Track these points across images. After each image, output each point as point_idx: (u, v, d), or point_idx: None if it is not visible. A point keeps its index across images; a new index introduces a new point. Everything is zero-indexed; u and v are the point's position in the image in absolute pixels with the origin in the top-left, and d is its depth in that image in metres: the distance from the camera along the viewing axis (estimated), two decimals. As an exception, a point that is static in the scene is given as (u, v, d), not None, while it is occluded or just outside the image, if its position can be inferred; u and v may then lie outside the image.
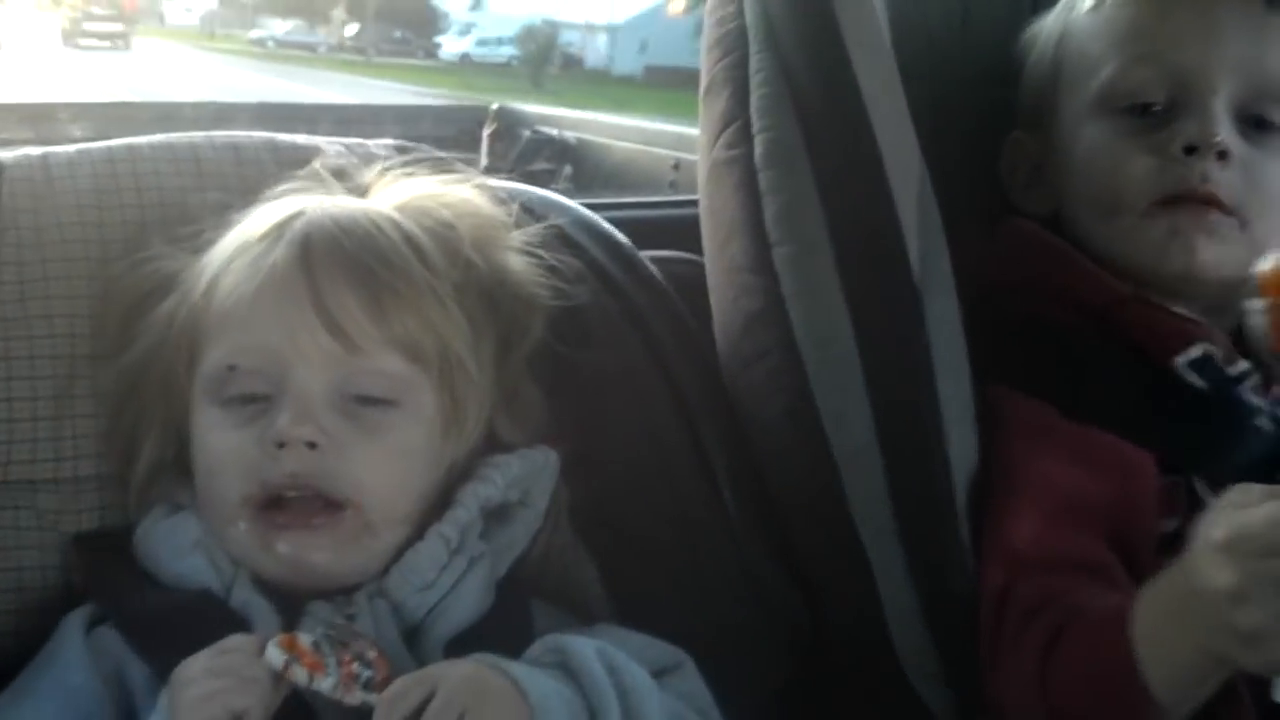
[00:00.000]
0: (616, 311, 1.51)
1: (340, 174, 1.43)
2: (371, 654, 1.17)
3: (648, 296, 1.54)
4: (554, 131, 3.77)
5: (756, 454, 1.48)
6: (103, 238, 1.41)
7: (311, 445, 1.24)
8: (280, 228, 1.32)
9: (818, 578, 1.45)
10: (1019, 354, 1.45)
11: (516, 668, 1.17)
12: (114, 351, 1.36)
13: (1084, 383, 1.43)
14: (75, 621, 1.27)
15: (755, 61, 1.47)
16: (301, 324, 1.27)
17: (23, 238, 1.39)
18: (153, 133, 1.52)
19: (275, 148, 1.51)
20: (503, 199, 1.46)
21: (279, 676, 1.13)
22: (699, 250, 1.58)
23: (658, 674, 1.27)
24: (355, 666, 1.15)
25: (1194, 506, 1.32)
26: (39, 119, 3.54)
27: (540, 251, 1.43)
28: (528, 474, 1.36)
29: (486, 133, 3.49)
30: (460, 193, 1.42)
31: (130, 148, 1.48)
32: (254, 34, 45.74)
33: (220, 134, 1.52)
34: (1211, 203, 1.44)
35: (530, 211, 1.49)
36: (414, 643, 1.26)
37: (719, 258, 1.51)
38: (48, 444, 1.36)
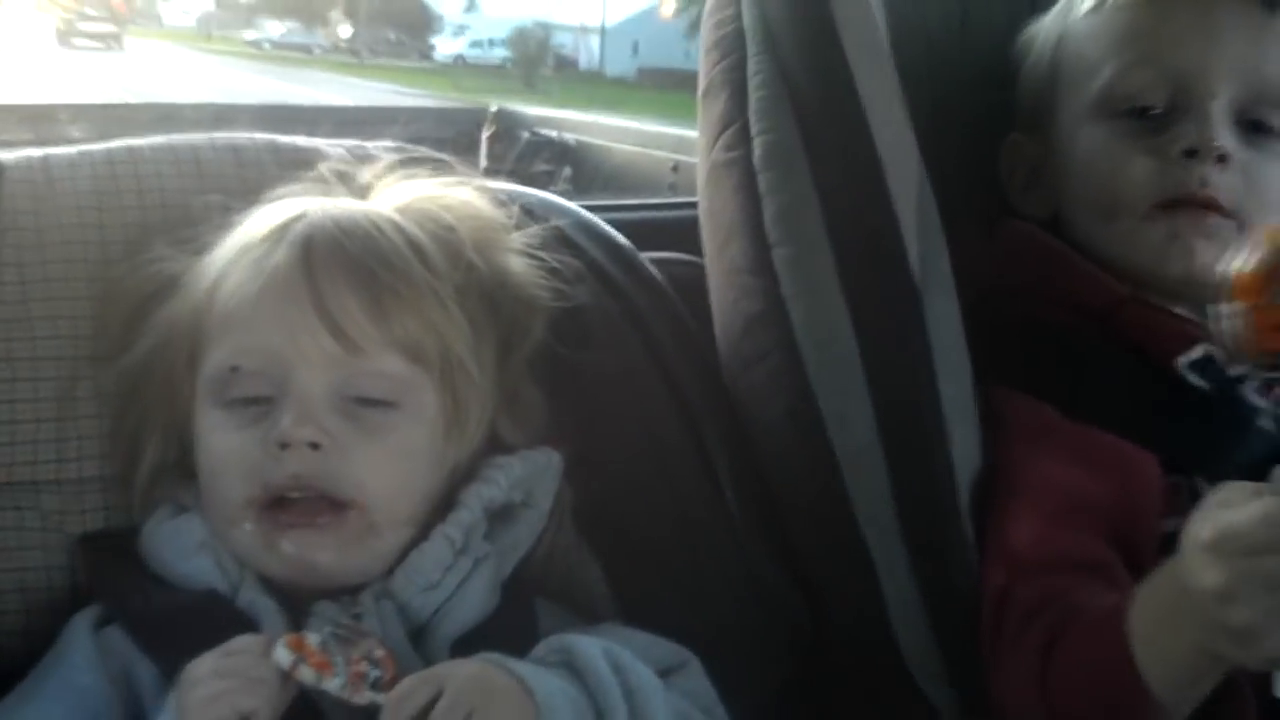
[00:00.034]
0: (617, 313, 1.51)
1: (341, 176, 1.43)
2: (379, 654, 1.17)
3: (648, 298, 1.54)
4: (553, 134, 3.77)
5: (758, 455, 1.48)
6: (104, 239, 1.41)
7: (314, 446, 1.25)
8: (282, 229, 1.32)
9: (820, 578, 1.45)
10: (1019, 355, 1.46)
11: (522, 667, 1.18)
12: (116, 353, 1.36)
13: (1085, 383, 1.43)
14: (83, 622, 1.27)
15: (754, 64, 1.48)
16: (303, 325, 1.27)
17: (24, 239, 1.39)
18: (153, 134, 1.52)
19: (276, 149, 1.52)
20: (503, 201, 1.46)
21: (287, 677, 1.14)
22: (699, 252, 1.58)
23: (663, 673, 1.27)
24: (363, 666, 1.15)
25: (1196, 507, 1.32)
26: (38, 120, 3.53)
27: (541, 253, 1.43)
28: (530, 475, 1.36)
29: (485, 135, 3.49)
30: (461, 195, 1.43)
31: (131, 149, 1.48)
32: (249, 35, 45.72)
33: (221, 136, 1.52)
34: (1210, 206, 1.44)
35: (530, 213, 1.49)
36: (420, 642, 1.27)
37: (719, 259, 1.52)
38: (50, 445, 1.36)
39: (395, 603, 1.27)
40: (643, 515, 1.46)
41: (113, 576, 1.31)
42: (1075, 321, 1.47)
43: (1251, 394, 1.43)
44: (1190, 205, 1.44)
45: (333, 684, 1.14)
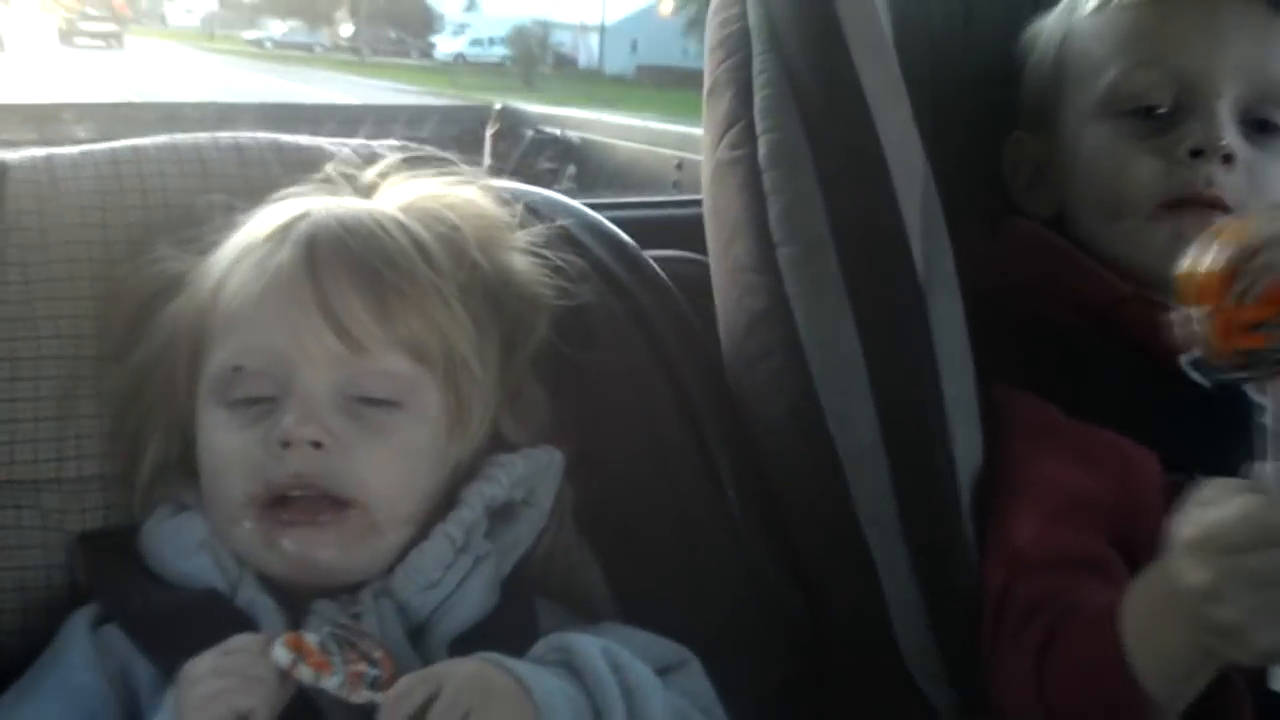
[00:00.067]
0: (621, 311, 1.51)
1: (345, 175, 1.43)
2: (377, 653, 1.17)
3: (652, 296, 1.54)
4: (557, 131, 3.77)
5: (760, 454, 1.48)
6: (107, 239, 1.41)
7: (316, 445, 1.24)
8: (285, 229, 1.32)
9: (821, 577, 1.45)
10: (1021, 354, 1.46)
11: (521, 666, 1.18)
12: (119, 352, 1.36)
13: (1087, 382, 1.43)
14: (80, 621, 1.27)
15: (759, 62, 1.47)
16: (307, 325, 1.27)
17: (27, 238, 1.39)
18: (156, 133, 1.52)
19: (279, 149, 1.51)
20: (507, 200, 1.46)
21: (285, 676, 1.13)
22: (703, 250, 1.58)
23: (662, 672, 1.27)
24: (361, 665, 1.15)
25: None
26: (42, 120, 3.53)
27: (545, 252, 1.43)
28: (532, 473, 1.36)
29: (489, 133, 3.49)
30: (465, 193, 1.43)
31: (135, 149, 1.48)
32: (251, 35, 45.83)
33: (225, 135, 1.52)
34: (1216, 206, 1.44)
35: (534, 212, 1.49)
36: (419, 641, 1.26)
37: (723, 258, 1.52)
38: (51, 444, 1.36)
39: (394, 601, 1.27)
40: (643, 514, 1.46)
41: (112, 575, 1.31)
42: (1077, 320, 1.47)
43: (1253, 392, 1.43)
44: (1196, 205, 1.44)
45: (331, 683, 1.13)
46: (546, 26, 41.76)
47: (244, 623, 1.23)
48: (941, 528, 1.38)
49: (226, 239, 1.35)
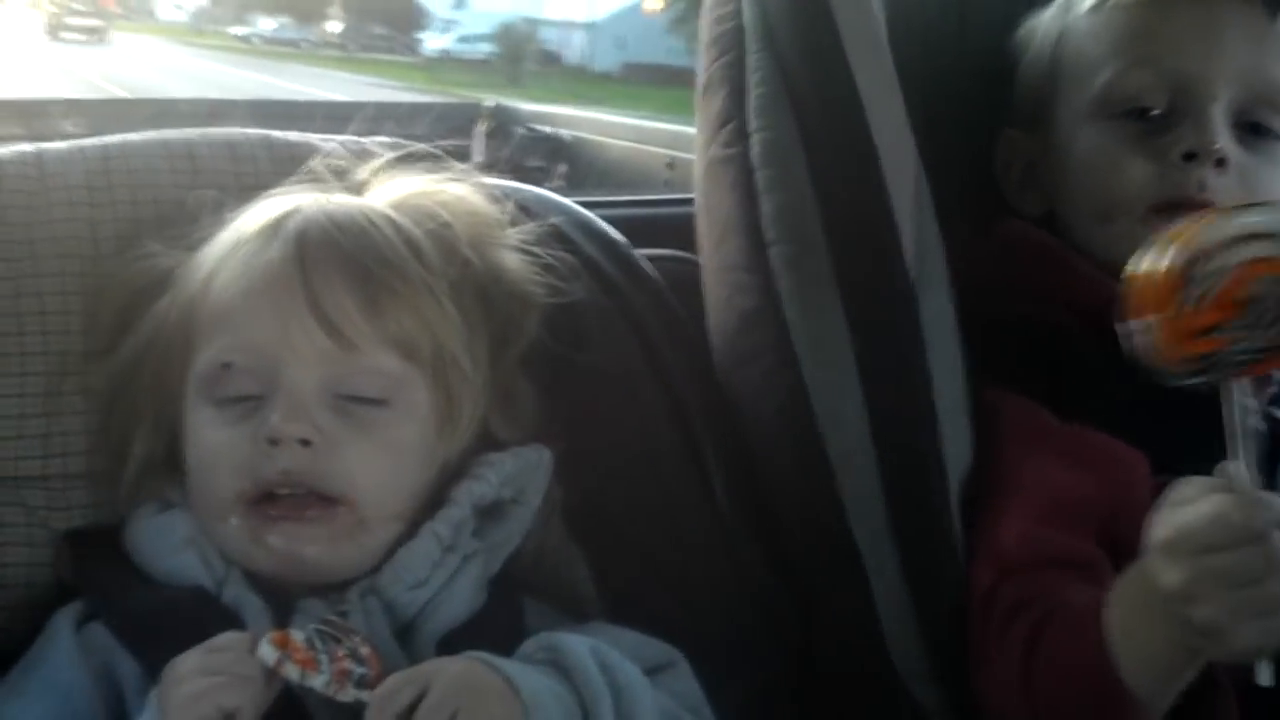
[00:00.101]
0: (612, 310, 1.51)
1: (336, 172, 1.43)
2: (364, 651, 1.16)
3: (643, 295, 1.54)
4: (548, 129, 3.77)
5: (750, 453, 1.48)
6: (96, 235, 1.40)
7: (305, 443, 1.24)
8: (275, 225, 1.31)
9: (810, 577, 1.45)
10: (1012, 354, 1.46)
11: (509, 665, 1.17)
12: (106, 348, 1.36)
13: (1076, 382, 1.43)
14: (65, 619, 1.26)
15: (753, 61, 1.47)
16: (296, 322, 1.26)
17: (15, 234, 1.38)
18: (146, 129, 1.51)
19: (270, 145, 1.51)
20: (498, 197, 1.45)
21: (271, 674, 1.13)
22: (694, 249, 1.58)
23: (650, 672, 1.27)
24: (348, 664, 1.14)
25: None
26: (31, 115, 3.51)
27: (536, 249, 1.43)
28: (521, 472, 1.36)
29: (480, 130, 3.48)
30: (456, 190, 1.42)
31: (124, 144, 1.47)
32: (238, 30, 45.90)
33: (215, 131, 1.51)
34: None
35: (525, 209, 1.49)
36: (406, 640, 1.26)
37: (714, 256, 1.52)
38: (36, 440, 1.36)
39: (381, 600, 1.26)
40: (632, 513, 1.46)
41: (97, 573, 1.30)
42: (1068, 320, 1.47)
43: (1242, 393, 1.43)
44: (1188, 209, 1.44)
45: (317, 681, 1.13)
46: (534, 24, 41.85)
47: (230, 620, 1.22)
48: (931, 528, 1.38)
49: (216, 235, 1.35)
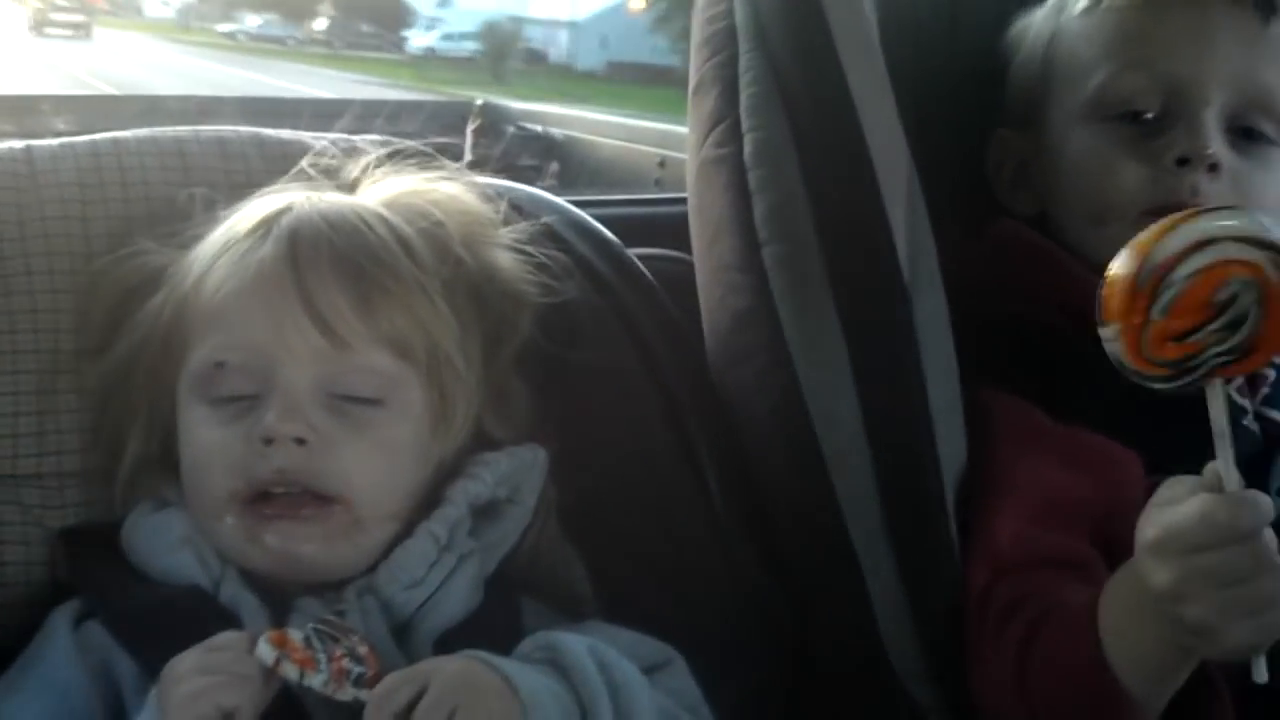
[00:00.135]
0: (605, 309, 1.51)
1: (328, 170, 1.43)
2: (362, 650, 1.16)
3: (636, 294, 1.54)
4: (539, 128, 3.77)
5: (744, 452, 1.48)
6: (87, 232, 1.40)
7: (300, 442, 1.24)
8: (267, 224, 1.32)
9: (805, 576, 1.45)
10: (1006, 354, 1.46)
11: (507, 664, 1.17)
12: (99, 347, 1.36)
13: (1071, 383, 1.43)
14: (62, 617, 1.27)
15: (745, 60, 1.47)
16: (289, 321, 1.26)
17: (6, 231, 1.38)
18: (135, 126, 1.51)
19: (261, 143, 1.51)
20: (491, 196, 1.46)
21: (269, 673, 1.13)
22: (686, 248, 1.58)
23: (647, 671, 1.27)
24: (346, 663, 1.14)
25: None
26: (21, 112, 3.50)
27: (528, 248, 1.43)
28: (516, 471, 1.36)
29: (471, 129, 3.48)
30: (448, 189, 1.43)
31: (115, 141, 1.47)
32: (224, 27, 45.87)
33: (207, 128, 1.51)
34: None
35: (518, 208, 1.49)
36: (403, 639, 1.26)
37: (707, 256, 1.52)
38: (31, 439, 1.36)
39: (378, 599, 1.27)
40: (627, 512, 1.46)
41: (94, 571, 1.30)
42: (1061, 320, 1.47)
43: (1235, 394, 1.43)
44: None
45: (316, 680, 1.13)
46: (518, 22, 41.88)
47: (227, 619, 1.22)
48: (926, 527, 1.38)
49: (208, 233, 1.35)
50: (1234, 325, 1.17)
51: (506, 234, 1.43)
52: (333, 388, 1.27)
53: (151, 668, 1.16)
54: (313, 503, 1.25)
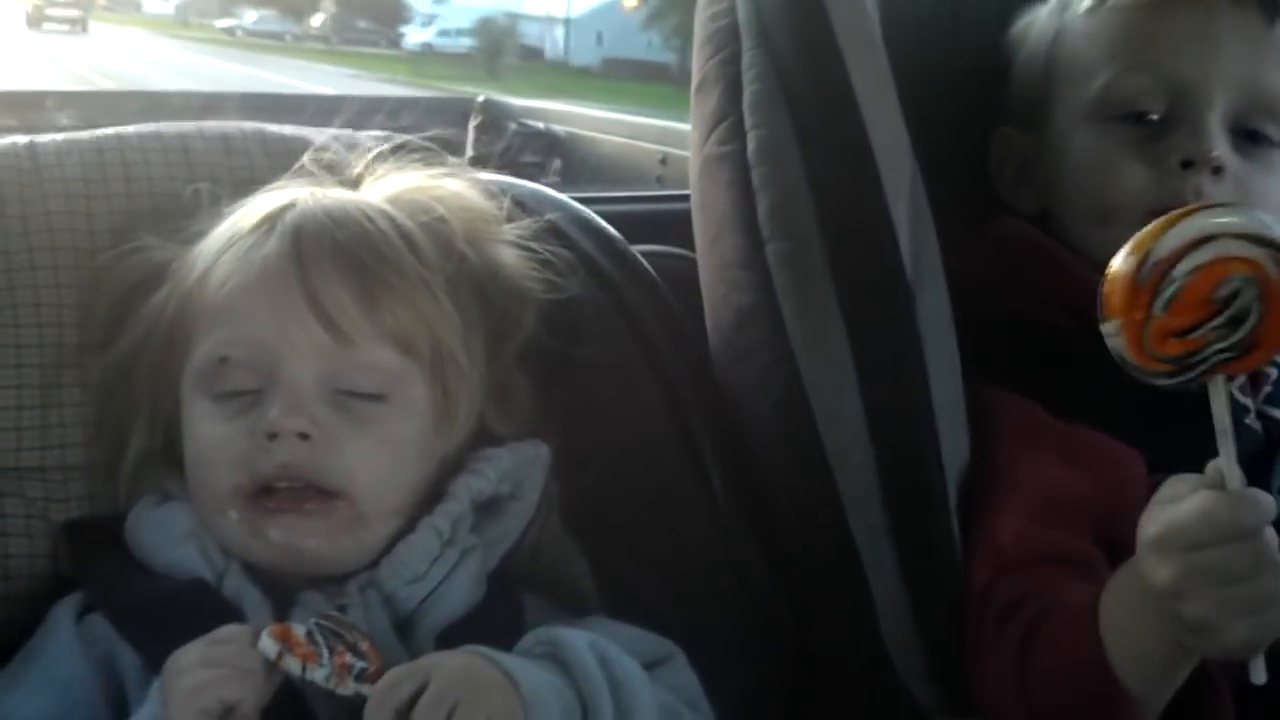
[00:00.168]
0: (608, 305, 1.51)
1: (331, 166, 1.43)
2: (364, 645, 1.17)
3: (639, 291, 1.54)
4: (540, 125, 3.77)
5: (747, 449, 1.48)
6: (91, 227, 1.41)
7: (303, 437, 1.24)
8: (271, 219, 1.32)
9: (807, 573, 1.45)
10: (1008, 352, 1.46)
11: (509, 660, 1.17)
12: (102, 341, 1.36)
13: (1073, 381, 1.43)
14: (65, 610, 1.27)
15: (748, 58, 1.47)
16: (293, 316, 1.27)
17: (9, 226, 1.39)
18: (139, 122, 1.52)
19: (264, 139, 1.51)
20: (494, 192, 1.46)
21: (272, 666, 1.13)
22: (689, 245, 1.58)
23: (648, 666, 1.27)
24: (348, 657, 1.14)
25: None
26: (24, 107, 3.50)
27: (532, 245, 1.43)
28: (519, 467, 1.36)
29: (472, 125, 3.48)
30: (452, 185, 1.43)
31: (119, 137, 1.48)
32: (222, 23, 45.91)
33: (210, 124, 1.52)
34: None
35: (522, 205, 1.49)
36: (405, 634, 1.26)
37: (710, 254, 1.52)
38: (34, 432, 1.36)
39: (381, 594, 1.27)
40: (630, 509, 1.46)
41: (97, 564, 1.31)
42: (1063, 319, 1.47)
43: (1237, 392, 1.44)
44: None
45: (318, 674, 1.13)
46: (513, 18, 41.94)
47: (230, 613, 1.22)
48: (928, 525, 1.38)
49: (212, 229, 1.35)
50: (1235, 322, 1.17)
51: (510, 230, 1.44)
52: (336, 383, 1.27)
53: (154, 661, 1.16)
54: (316, 497, 1.25)
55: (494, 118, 3.62)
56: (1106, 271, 1.20)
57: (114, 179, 1.43)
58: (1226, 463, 1.17)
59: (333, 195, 1.36)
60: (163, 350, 1.32)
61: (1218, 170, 1.44)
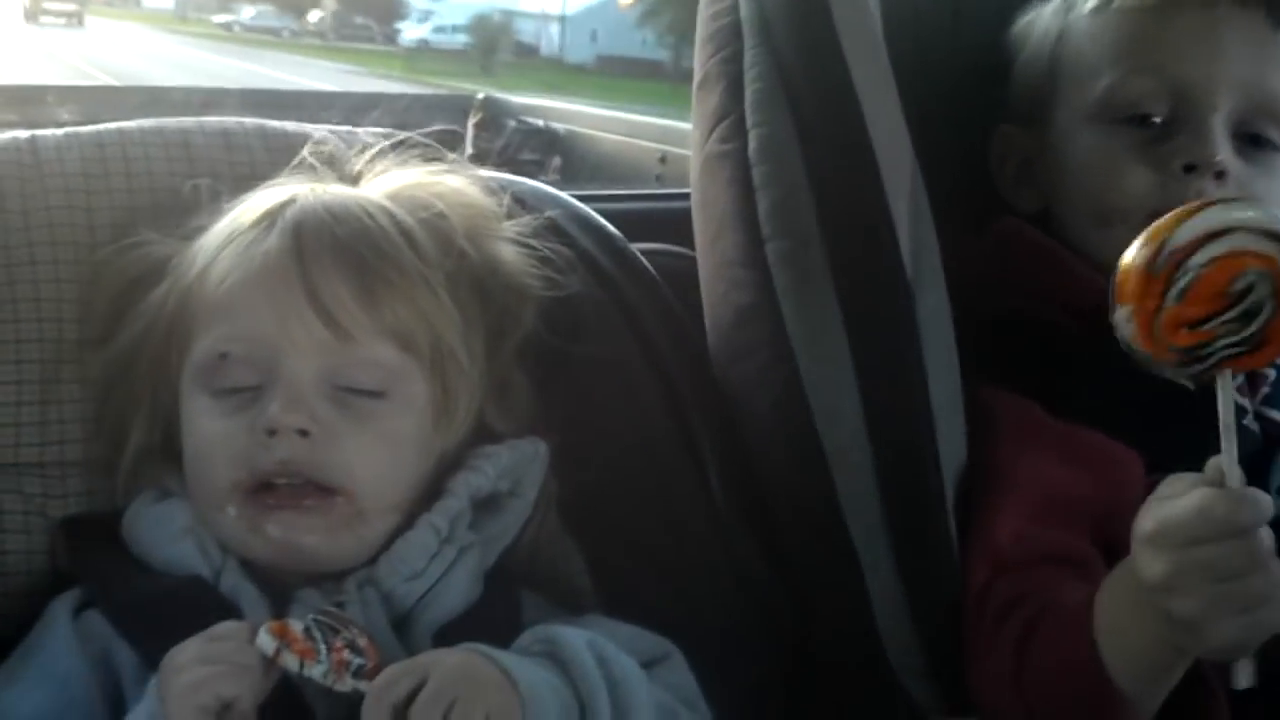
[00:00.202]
0: (607, 302, 1.51)
1: (331, 162, 1.43)
2: (362, 641, 1.17)
3: (639, 289, 1.54)
4: (540, 122, 3.76)
5: (745, 448, 1.48)
6: (91, 222, 1.41)
7: (303, 433, 1.24)
8: (272, 215, 1.32)
9: (805, 572, 1.45)
10: (1008, 352, 1.46)
11: (507, 657, 1.17)
12: (102, 337, 1.36)
13: (1072, 381, 1.43)
14: (62, 607, 1.27)
15: (750, 56, 1.47)
16: (293, 312, 1.26)
17: (10, 221, 1.39)
18: (140, 117, 1.52)
19: (265, 135, 1.51)
20: (494, 189, 1.46)
21: (270, 663, 1.13)
22: (688, 243, 1.58)
23: (646, 665, 1.27)
24: (346, 654, 1.14)
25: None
26: (25, 102, 3.50)
27: (532, 242, 1.43)
28: (517, 464, 1.36)
29: (472, 122, 3.48)
30: (452, 182, 1.43)
31: (120, 132, 1.48)
32: (219, 18, 45.95)
33: (211, 120, 1.52)
34: None
35: (521, 202, 1.49)
36: (403, 631, 1.26)
37: (710, 252, 1.52)
38: (33, 428, 1.36)
39: (379, 591, 1.27)
40: (628, 507, 1.45)
41: (94, 561, 1.31)
42: (1063, 319, 1.47)
43: (1235, 393, 1.43)
44: None
45: (316, 671, 1.13)
46: (509, 15, 42.01)
47: (228, 610, 1.22)
48: (926, 524, 1.39)
49: (212, 225, 1.35)
50: (1248, 316, 1.18)
51: (510, 227, 1.43)
52: (336, 379, 1.27)
53: (152, 658, 1.16)
54: (315, 494, 1.25)
55: (493, 115, 3.62)
56: (1120, 259, 1.20)
57: (115, 174, 1.43)
58: (1227, 460, 1.17)
59: (333, 191, 1.36)
60: (162, 346, 1.32)
61: (1220, 174, 1.44)
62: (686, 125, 1.62)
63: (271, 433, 1.24)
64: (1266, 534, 1.16)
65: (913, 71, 1.54)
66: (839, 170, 1.41)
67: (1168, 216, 1.19)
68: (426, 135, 1.49)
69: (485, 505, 1.35)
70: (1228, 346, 1.19)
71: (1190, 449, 1.21)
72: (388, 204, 1.35)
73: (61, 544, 1.33)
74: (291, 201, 1.33)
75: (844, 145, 1.41)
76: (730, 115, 1.47)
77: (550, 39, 43.82)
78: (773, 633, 1.45)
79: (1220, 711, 1.32)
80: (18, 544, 1.34)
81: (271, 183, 1.38)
